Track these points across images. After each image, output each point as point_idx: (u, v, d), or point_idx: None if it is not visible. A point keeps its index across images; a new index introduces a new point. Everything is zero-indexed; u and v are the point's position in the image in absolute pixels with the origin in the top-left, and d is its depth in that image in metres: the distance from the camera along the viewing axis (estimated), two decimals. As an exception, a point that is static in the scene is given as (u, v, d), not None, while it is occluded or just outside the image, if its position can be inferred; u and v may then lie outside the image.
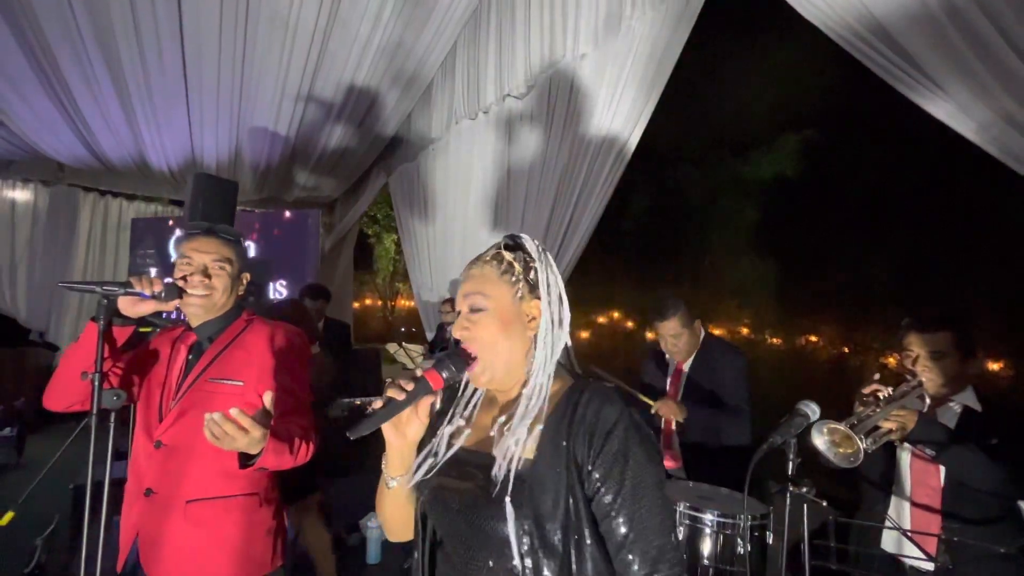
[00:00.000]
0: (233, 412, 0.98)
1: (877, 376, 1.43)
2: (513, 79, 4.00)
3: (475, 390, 0.94)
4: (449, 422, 0.91)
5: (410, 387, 0.78)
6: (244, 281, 1.43)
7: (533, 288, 0.88)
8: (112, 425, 1.30)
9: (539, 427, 0.81)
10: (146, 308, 1.26)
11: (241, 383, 1.31)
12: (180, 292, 1.28)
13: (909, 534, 1.46)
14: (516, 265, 0.88)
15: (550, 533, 0.76)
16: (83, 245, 5.84)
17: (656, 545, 0.75)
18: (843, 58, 2.13)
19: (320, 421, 2.28)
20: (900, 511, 1.55)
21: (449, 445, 0.88)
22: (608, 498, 0.76)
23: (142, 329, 1.37)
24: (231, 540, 1.28)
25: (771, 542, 1.25)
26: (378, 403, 0.78)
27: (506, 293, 0.87)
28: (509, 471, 0.77)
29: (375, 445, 0.85)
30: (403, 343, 4.44)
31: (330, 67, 4.48)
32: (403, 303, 17.74)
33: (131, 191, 6.06)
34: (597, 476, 0.77)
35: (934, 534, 1.37)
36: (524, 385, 0.86)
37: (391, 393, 0.78)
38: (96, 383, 1.18)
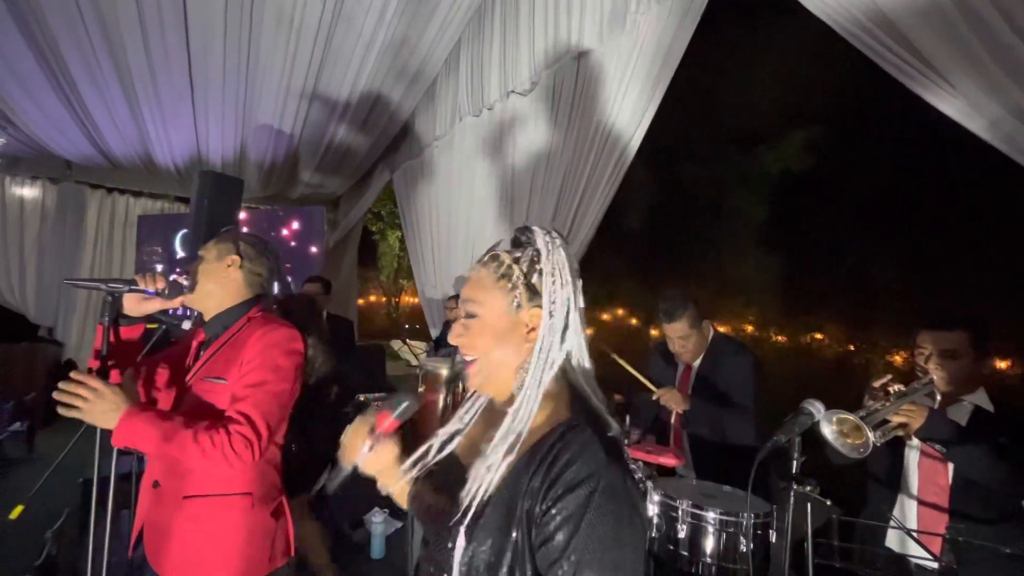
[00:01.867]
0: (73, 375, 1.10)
1: (889, 376, 1.43)
2: (517, 75, 3.99)
3: (479, 392, 0.88)
4: (452, 421, 0.88)
5: (367, 447, 0.87)
6: (236, 267, 1.36)
7: (534, 294, 0.77)
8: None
9: (512, 459, 0.72)
10: (151, 306, 1.27)
11: (225, 381, 1.30)
12: (183, 289, 1.29)
13: (914, 534, 1.45)
14: (516, 268, 0.78)
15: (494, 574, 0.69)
16: (90, 242, 5.89)
17: None
18: (852, 53, 2.11)
19: (324, 416, 2.29)
20: (906, 509, 1.54)
21: (442, 447, 0.85)
22: (548, 565, 0.65)
23: (150, 325, 1.38)
24: (226, 538, 1.27)
25: (774, 540, 1.25)
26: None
27: (500, 301, 0.78)
28: (474, 499, 0.71)
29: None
30: (407, 340, 4.46)
31: (334, 64, 4.48)
32: (407, 300, 17.80)
33: (137, 188, 6.10)
34: (544, 534, 0.66)
35: (937, 534, 1.36)
36: (512, 402, 0.76)
37: (345, 463, 0.90)
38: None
